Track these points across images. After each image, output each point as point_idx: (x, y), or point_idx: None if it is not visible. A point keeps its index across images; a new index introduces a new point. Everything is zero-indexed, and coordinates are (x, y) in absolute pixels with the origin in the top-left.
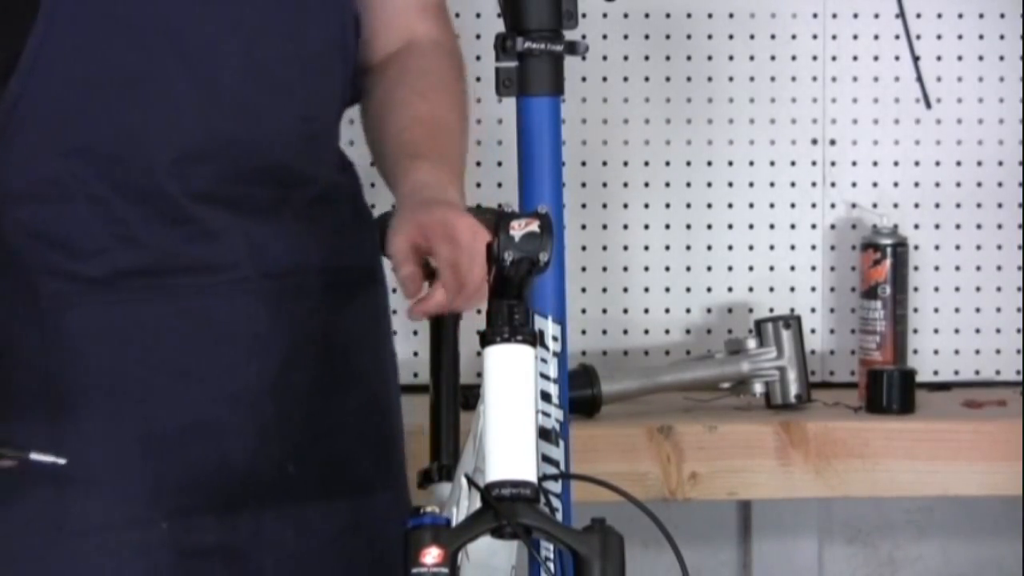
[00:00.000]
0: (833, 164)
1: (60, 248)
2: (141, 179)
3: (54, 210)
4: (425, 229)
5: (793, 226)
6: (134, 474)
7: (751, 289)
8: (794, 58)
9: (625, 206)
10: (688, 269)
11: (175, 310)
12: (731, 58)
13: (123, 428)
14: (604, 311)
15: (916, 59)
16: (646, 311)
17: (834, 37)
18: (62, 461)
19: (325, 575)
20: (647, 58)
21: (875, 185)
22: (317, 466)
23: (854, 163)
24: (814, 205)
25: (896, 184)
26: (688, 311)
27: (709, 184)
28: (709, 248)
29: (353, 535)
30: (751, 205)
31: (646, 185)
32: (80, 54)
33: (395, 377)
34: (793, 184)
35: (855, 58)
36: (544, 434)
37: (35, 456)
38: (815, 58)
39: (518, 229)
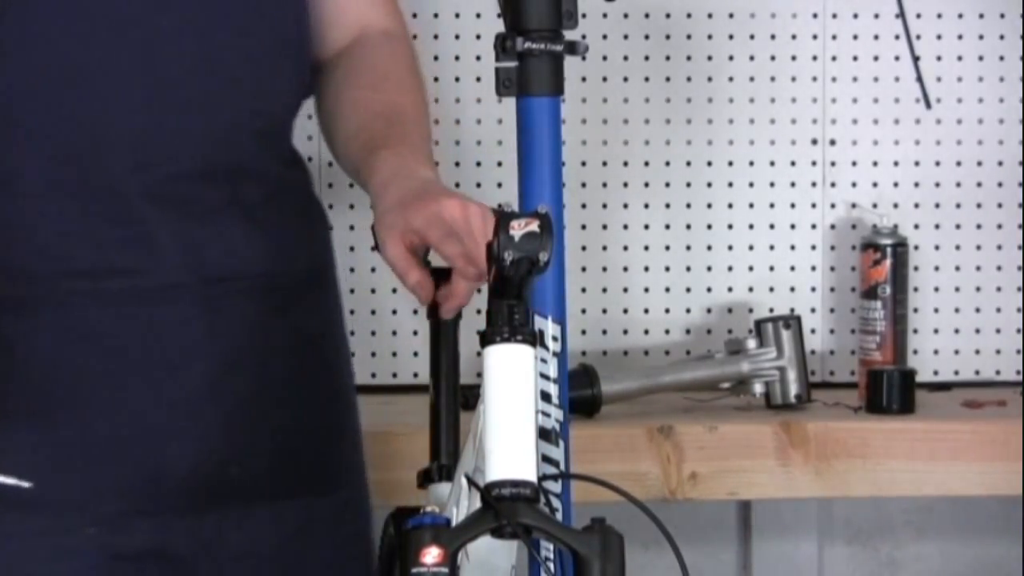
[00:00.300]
0: (833, 164)
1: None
2: (88, 176)
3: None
4: (415, 227)
5: (793, 226)
6: (66, 479)
7: (751, 289)
8: (794, 58)
9: (625, 206)
10: (688, 269)
11: (114, 313)
12: (731, 58)
13: (57, 433)
14: (604, 311)
15: (916, 59)
16: (646, 311)
17: (834, 37)
18: (26, 484)
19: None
20: (647, 58)
21: (875, 185)
22: (263, 468)
23: (854, 163)
24: (814, 205)
25: (896, 184)
26: (688, 311)
27: (709, 184)
28: (709, 248)
29: (304, 537)
30: (751, 205)
31: (646, 185)
32: (29, 45)
33: (349, 378)
34: (793, 184)
35: (855, 58)
36: (544, 434)
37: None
38: (815, 58)
39: (518, 229)
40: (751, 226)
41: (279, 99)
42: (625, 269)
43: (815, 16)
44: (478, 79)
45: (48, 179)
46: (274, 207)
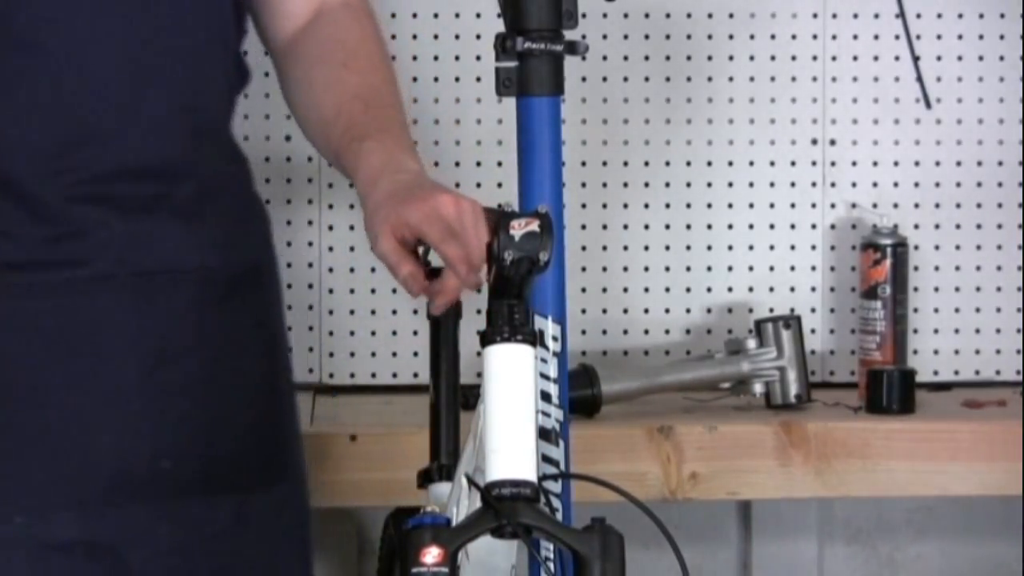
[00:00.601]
0: (833, 164)
1: None
2: (9, 180)
3: None
4: (406, 220)
5: (793, 226)
6: None
7: (751, 289)
8: (794, 58)
9: (625, 206)
10: (688, 269)
11: (45, 305)
12: (731, 58)
13: None
14: (604, 311)
15: (916, 59)
16: (646, 311)
17: (834, 37)
18: None
19: (205, 570)
20: (647, 58)
21: (875, 185)
22: (197, 462)
23: (854, 163)
24: (814, 205)
25: (896, 184)
26: (688, 311)
27: (709, 184)
28: (709, 248)
29: (239, 530)
30: (751, 205)
31: (646, 185)
32: None
33: (286, 373)
34: (793, 184)
35: (855, 58)
36: (544, 434)
37: None
38: (815, 58)
39: (518, 228)
40: (751, 226)
41: (210, 93)
42: (625, 269)
43: (815, 16)
44: (478, 79)
45: None
46: (209, 203)
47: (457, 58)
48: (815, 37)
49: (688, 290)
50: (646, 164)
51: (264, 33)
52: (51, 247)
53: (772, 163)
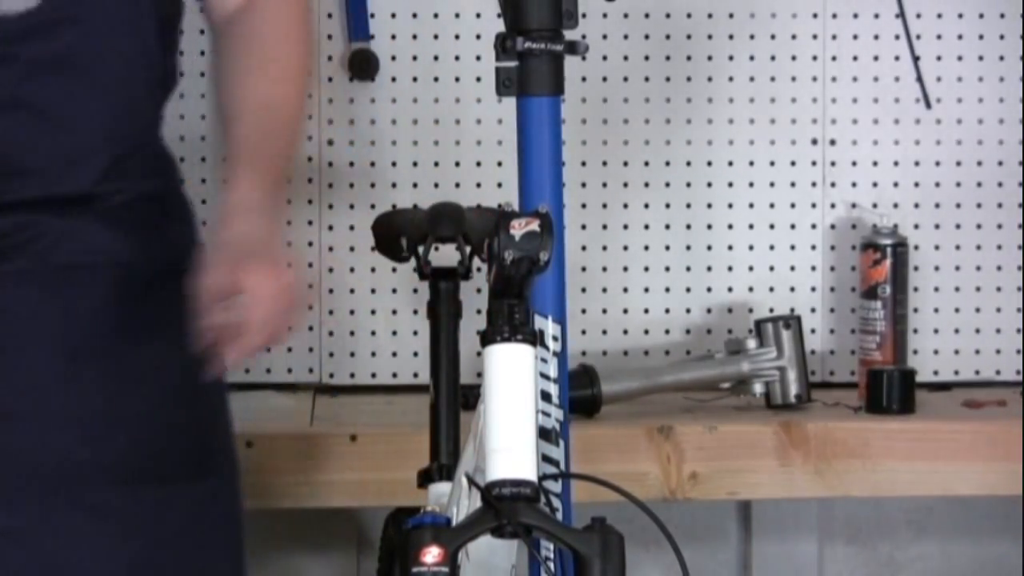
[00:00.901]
0: (833, 164)
1: None
2: None
3: None
4: (228, 275)
5: (793, 226)
6: None
7: (751, 289)
8: (794, 58)
9: (625, 206)
10: (688, 269)
11: None
12: (731, 58)
13: None
14: (604, 311)
15: (916, 59)
16: (646, 311)
17: (834, 37)
18: None
19: (125, 559)
20: (647, 58)
21: (875, 185)
22: (115, 454)
23: (854, 163)
24: (814, 205)
25: (896, 184)
26: (688, 311)
27: (709, 184)
28: (709, 248)
29: (162, 522)
30: (751, 205)
31: (646, 185)
32: None
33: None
34: (793, 184)
35: (855, 58)
36: (544, 434)
37: None
38: (815, 58)
39: (518, 228)
40: (751, 226)
41: (137, 113)
42: (625, 269)
43: (815, 16)
44: (478, 79)
45: None
46: (132, 207)
47: (457, 58)
48: (815, 37)
49: (688, 290)
50: (646, 164)
51: (204, 9)
52: None
53: (772, 163)
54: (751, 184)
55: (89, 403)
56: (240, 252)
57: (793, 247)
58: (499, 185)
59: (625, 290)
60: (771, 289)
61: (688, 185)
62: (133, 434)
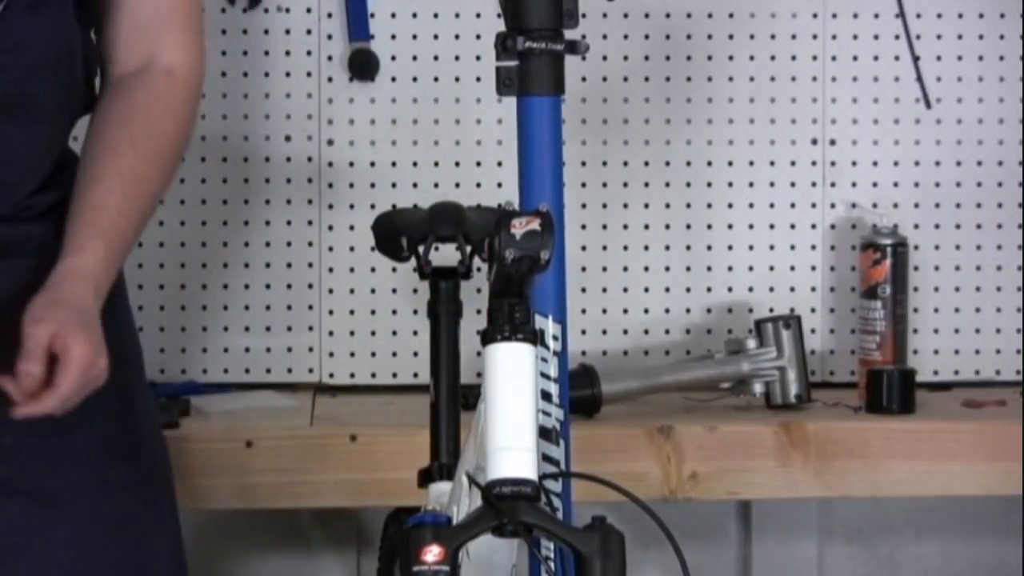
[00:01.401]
0: (833, 164)
1: None
2: None
3: None
4: (55, 332)
5: (793, 226)
6: None
7: (751, 289)
8: (794, 58)
9: (625, 206)
10: (688, 269)
11: None
12: (731, 58)
13: None
14: (604, 311)
15: (916, 59)
16: (646, 311)
17: (834, 37)
18: None
19: (50, 544)
20: (647, 58)
21: (875, 185)
22: (39, 440)
23: (854, 163)
24: (814, 205)
25: (896, 184)
26: (688, 311)
27: (709, 184)
28: (709, 248)
29: (86, 507)
30: (751, 205)
31: (646, 185)
32: None
33: (134, 352)
34: (793, 184)
35: (855, 58)
36: (544, 434)
37: None
38: (815, 58)
39: (519, 227)
40: (751, 226)
41: (62, 130)
42: (625, 269)
43: (815, 16)
44: (478, 79)
45: None
46: (50, 209)
47: (457, 58)
48: (815, 37)
49: (688, 290)
50: (646, 164)
51: (102, 61)
52: None
53: (772, 163)
54: (751, 184)
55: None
56: (70, 316)
57: (793, 247)
58: (499, 185)
59: (625, 290)
60: (771, 289)
61: (688, 185)
62: (55, 421)
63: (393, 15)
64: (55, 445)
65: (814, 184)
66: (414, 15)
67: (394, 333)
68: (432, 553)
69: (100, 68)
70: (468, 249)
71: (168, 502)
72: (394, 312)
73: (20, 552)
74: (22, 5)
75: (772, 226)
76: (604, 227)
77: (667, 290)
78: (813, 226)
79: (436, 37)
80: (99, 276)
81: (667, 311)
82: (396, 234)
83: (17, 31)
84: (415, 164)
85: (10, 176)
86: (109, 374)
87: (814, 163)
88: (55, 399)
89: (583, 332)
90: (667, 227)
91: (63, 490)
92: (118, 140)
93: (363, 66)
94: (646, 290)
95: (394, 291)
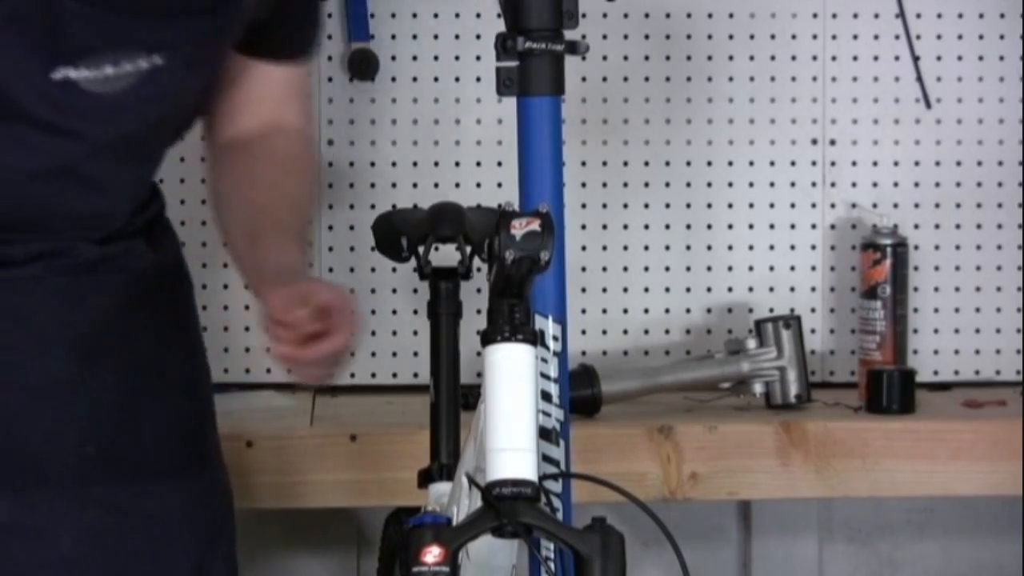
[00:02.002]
0: (833, 164)
1: None
2: None
3: None
4: (300, 294)
5: (793, 226)
6: None
7: (751, 289)
8: (794, 58)
9: (625, 206)
10: (688, 269)
11: None
12: (731, 58)
13: None
14: (604, 311)
15: (916, 59)
16: (646, 311)
17: (834, 37)
18: None
19: (130, 552)
20: (647, 58)
21: (875, 185)
22: (123, 450)
23: (854, 163)
24: (814, 205)
25: (896, 184)
26: (688, 311)
27: (709, 184)
28: (709, 248)
29: (169, 515)
30: (751, 205)
31: (646, 185)
32: None
33: (205, 365)
34: (793, 184)
35: (855, 58)
36: (544, 434)
37: None
38: (815, 58)
39: (519, 228)
40: (751, 226)
41: (155, 169)
42: (625, 269)
43: (815, 16)
44: (478, 79)
45: None
46: (140, 229)
47: (457, 58)
48: (815, 37)
49: (688, 290)
50: (646, 164)
51: (210, 128)
52: None
53: (772, 163)
54: (751, 184)
55: (98, 404)
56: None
57: (793, 247)
58: (499, 185)
59: (625, 290)
60: (771, 289)
61: (688, 185)
62: (137, 432)
63: (393, 15)
64: (133, 455)
65: (814, 184)
66: (414, 15)
67: (394, 333)
68: (432, 554)
69: (211, 125)
70: (468, 249)
71: (231, 512)
72: (394, 312)
73: (95, 561)
74: (181, 61)
75: (772, 226)
76: (604, 227)
77: (667, 290)
78: (813, 226)
79: (436, 37)
80: (305, 265)
81: (667, 311)
82: (396, 234)
83: (166, 84)
84: (415, 164)
85: (113, 209)
86: (187, 383)
87: (814, 163)
88: (336, 342)
89: (583, 332)
90: (667, 227)
91: (138, 500)
92: (276, 175)
93: (363, 66)
94: (646, 290)
95: (394, 291)
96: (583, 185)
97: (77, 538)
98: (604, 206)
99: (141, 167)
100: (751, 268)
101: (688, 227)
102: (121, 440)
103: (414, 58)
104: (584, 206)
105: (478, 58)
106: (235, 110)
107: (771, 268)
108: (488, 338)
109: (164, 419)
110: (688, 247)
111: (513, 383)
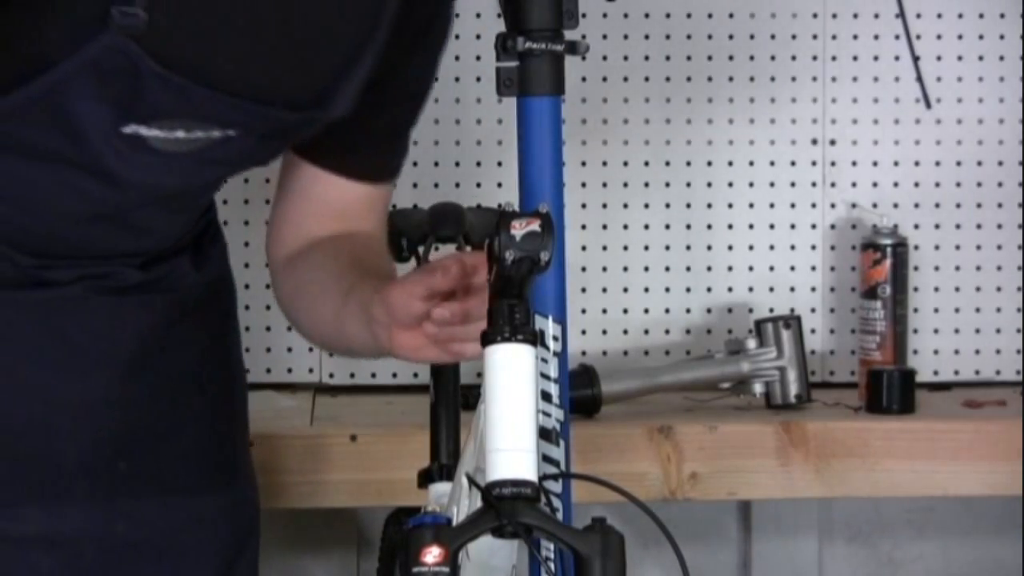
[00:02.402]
0: (833, 164)
1: None
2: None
3: None
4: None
5: (793, 226)
6: None
7: (751, 289)
8: (794, 58)
9: (625, 206)
10: (688, 269)
11: (29, 319)
12: (731, 58)
13: None
14: (604, 311)
15: (916, 59)
16: (646, 311)
17: (834, 37)
18: None
19: (151, 563)
20: (647, 58)
21: (875, 185)
22: (155, 465)
23: (854, 163)
24: (814, 205)
25: (896, 184)
26: (688, 311)
27: (709, 184)
28: (709, 248)
29: (195, 529)
30: (751, 205)
31: (646, 185)
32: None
33: (242, 377)
34: (793, 184)
35: (855, 58)
36: (544, 434)
37: None
38: (815, 58)
39: (519, 228)
40: (751, 226)
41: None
42: (625, 269)
43: (815, 16)
44: (478, 79)
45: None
46: (184, 246)
47: (457, 58)
48: (815, 37)
49: (688, 290)
50: (646, 164)
51: (277, 238)
52: (38, 271)
53: (772, 163)
54: (751, 184)
55: (134, 421)
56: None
57: (793, 247)
58: (499, 185)
59: (625, 290)
60: (771, 289)
61: (688, 185)
62: (171, 447)
63: None
64: (163, 470)
65: (814, 184)
66: None
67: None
68: (432, 554)
69: (278, 236)
70: (468, 250)
71: (256, 525)
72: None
73: (116, 572)
74: (256, 137)
75: (772, 226)
76: (604, 227)
77: (667, 290)
78: (813, 226)
79: None
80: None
81: (667, 311)
82: (396, 234)
83: (234, 153)
84: (415, 164)
85: (160, 246)
86: (224, 396)
87: (814, 163)
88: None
89: (583, 332)
90: (667, 227)
91: (165, 513)
92: (369, 257)
93: None
94: (646, 290)
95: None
96: (583, 185)
97: (100, 549)
98: (604, 206)
99: (193, 214)
100: (751, 268)
101: (688, 227)
102: (153, 456)
103: None
104: (584, 206)
105: (478, 58)
106: (308, 220)
107: (771, 268)
108: (488, 338)
109: (198, 434)
110: (688, 247)
111: (513, 383)
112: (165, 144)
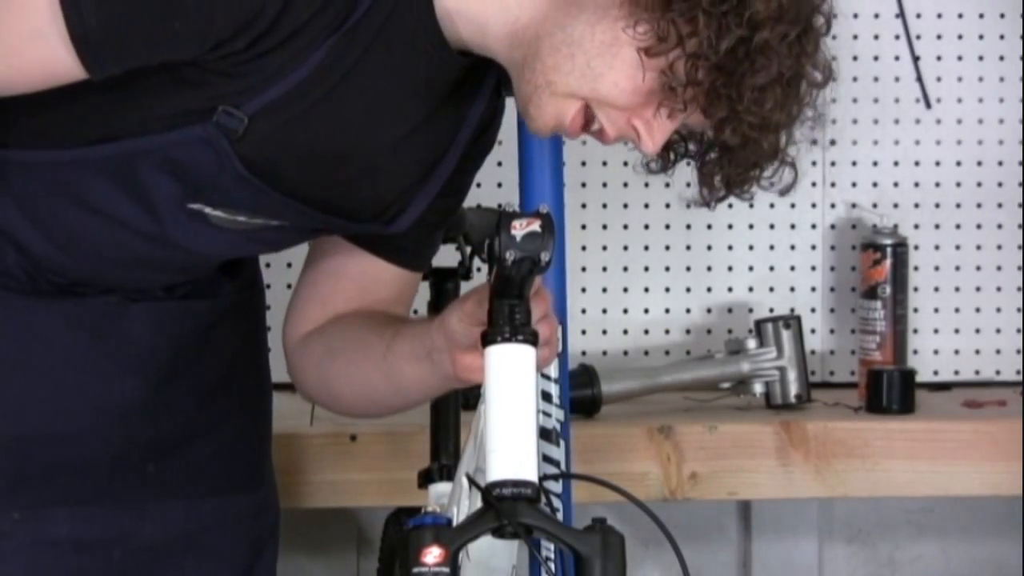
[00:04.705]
0: (833, 164)
1: None
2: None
3: None
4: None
5: (793, 226)
6: None
7: (751, 289)
8: None
9: (625, 206)
10: (688, 269)
11: (65, 327)
12: None
13: None
14: (604, 311)
15: (916, 59)
16: (646, 311)
17: (834, 37)
18: None
19: (176, 564)
20: None
21: (875, 185)
22: (184, 467)
23: (854, 163)
24: (814, 205)
25: (896, 184)
26: (688, 311)
27: None
28: (709, 248)
29: (219, 531)
30: (751, 205)
31: (646, 185)
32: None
33: (268, 381)
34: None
35: (855, 58)
36: (545, 434)
37: None
38: None
39: (519, 228)
40: (751, 226)
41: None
42: (625, 269)
43: None
44: None
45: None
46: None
47: None
48: None
49: (688, 290)
50: None
51: (301, 313)
52: (85, 283)
53: None
54: None
55: (166, 425)
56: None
57: (793, 247)
58: (499, 185)
59: (625, 290)
60: (771, 289)
61: (688, 185)
62: (200, 450)
63: None
64: (191, 474)
65: (814, 184)
66: None
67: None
68: (432, 554)
69: (303, 311)
70: (468, 250)
71: (277, 528)
72: None
73: (141, 573)
74: (309, 228)
75: (772, 226)
76: (604, 227)
77: (667, 290)
78: (813, 226)
79: None
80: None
81: (667, 311)
82: None
83: (286, 237)
84: None
85: (196, 279)
86: (252, 400)
87: (814, 163)
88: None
89: (583, 332)
90: (667, 227)
91: (190, 515)
92: (370, 322)
93: None
94: (646, 290)
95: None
96: (583, 185)
97: (128, 550)
98: (604, 206)
99: (235, 263)
100: (751, 268)
101: (688, 227)
102: (182, 458)
103: None
104: (584, 206)
105: None
106: (337, 297)
107: (771, 268)
108: (488, 339)
109: (226, 438)
110: (688, 247)
111: (513, 383)
112: (223, 222)
